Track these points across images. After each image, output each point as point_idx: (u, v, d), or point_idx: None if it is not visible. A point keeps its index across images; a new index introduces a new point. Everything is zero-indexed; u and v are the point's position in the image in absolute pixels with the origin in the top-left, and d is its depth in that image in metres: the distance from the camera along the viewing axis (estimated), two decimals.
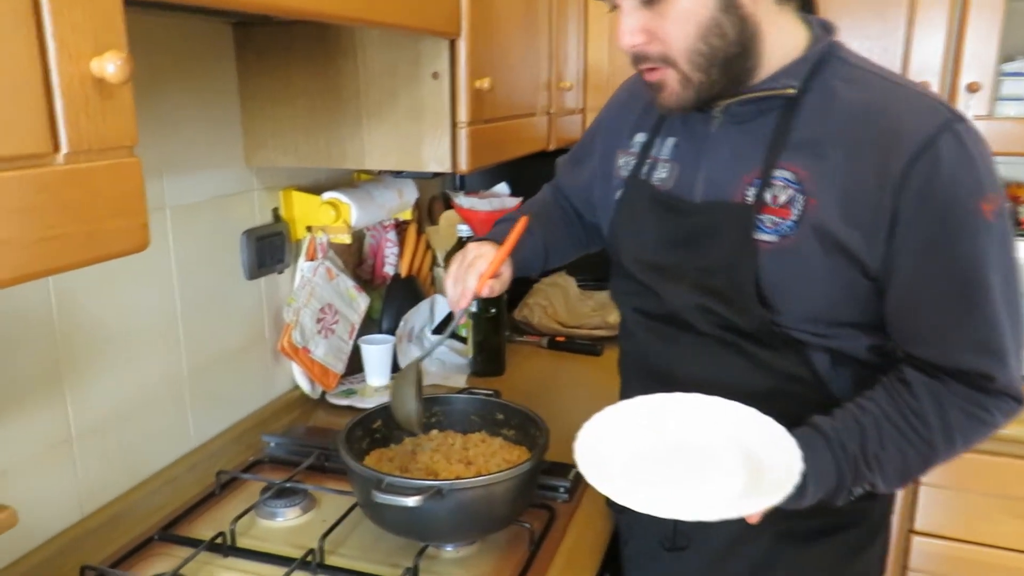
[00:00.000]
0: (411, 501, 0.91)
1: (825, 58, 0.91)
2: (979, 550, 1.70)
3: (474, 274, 1.03)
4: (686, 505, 0.80)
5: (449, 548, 1.06)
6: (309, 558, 1.00)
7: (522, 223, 1.05)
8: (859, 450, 0.87)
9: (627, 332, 1.11)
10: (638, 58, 0.91)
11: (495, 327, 1.69)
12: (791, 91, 0.89)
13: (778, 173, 0.89)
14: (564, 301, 2.02)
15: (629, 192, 1.04)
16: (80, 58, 0.54)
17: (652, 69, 0.90)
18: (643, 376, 1.05)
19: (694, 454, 0.90)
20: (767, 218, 0.89)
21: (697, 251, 0.95)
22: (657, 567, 1.11)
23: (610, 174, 1.09)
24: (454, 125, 1.20)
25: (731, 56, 0.87)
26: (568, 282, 2.05)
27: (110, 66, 0.54)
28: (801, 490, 0.82)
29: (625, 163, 1.07)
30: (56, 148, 0.54)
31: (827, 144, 0.87)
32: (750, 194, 0.90)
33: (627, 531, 1.16)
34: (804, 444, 0.85)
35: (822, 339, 0.92)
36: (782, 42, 0.90)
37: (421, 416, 1.06)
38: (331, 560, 1.03)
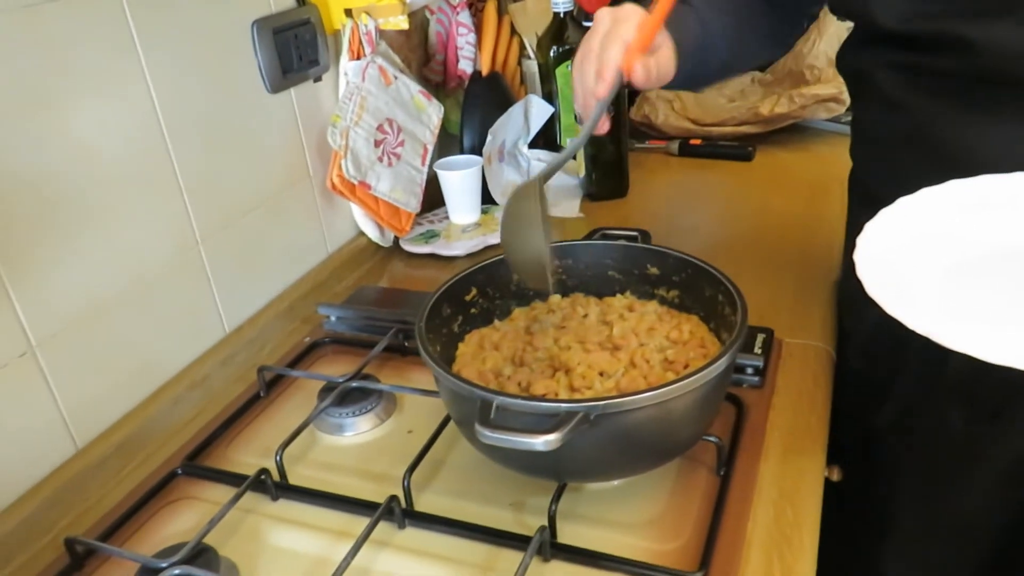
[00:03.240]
0: (542, 443, 0.55)
1: None
2: None
3: (616, 43, 0.63)
4: None
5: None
6: (393, 505, 0.67)
7: None
8: None
9: (888, 107, 0.73)
10: None
11: (614, 133, 1.25)
12: None
13: None
14: (693, 93, 1.55)
15: None
16: None
17: None
18: (930, 170, 0.66)
19: None
20: None
21: None
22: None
23: None
24: None
25: None
26: None
27: None
28: None
29: None
30: None
31: None
32: None
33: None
34: None
35: None
36: None
37: (552, 262, 0.72)
38: (425, 503, 0.70)
